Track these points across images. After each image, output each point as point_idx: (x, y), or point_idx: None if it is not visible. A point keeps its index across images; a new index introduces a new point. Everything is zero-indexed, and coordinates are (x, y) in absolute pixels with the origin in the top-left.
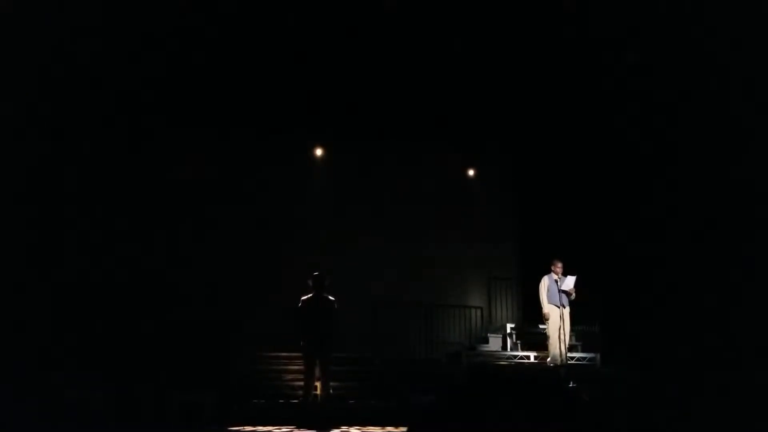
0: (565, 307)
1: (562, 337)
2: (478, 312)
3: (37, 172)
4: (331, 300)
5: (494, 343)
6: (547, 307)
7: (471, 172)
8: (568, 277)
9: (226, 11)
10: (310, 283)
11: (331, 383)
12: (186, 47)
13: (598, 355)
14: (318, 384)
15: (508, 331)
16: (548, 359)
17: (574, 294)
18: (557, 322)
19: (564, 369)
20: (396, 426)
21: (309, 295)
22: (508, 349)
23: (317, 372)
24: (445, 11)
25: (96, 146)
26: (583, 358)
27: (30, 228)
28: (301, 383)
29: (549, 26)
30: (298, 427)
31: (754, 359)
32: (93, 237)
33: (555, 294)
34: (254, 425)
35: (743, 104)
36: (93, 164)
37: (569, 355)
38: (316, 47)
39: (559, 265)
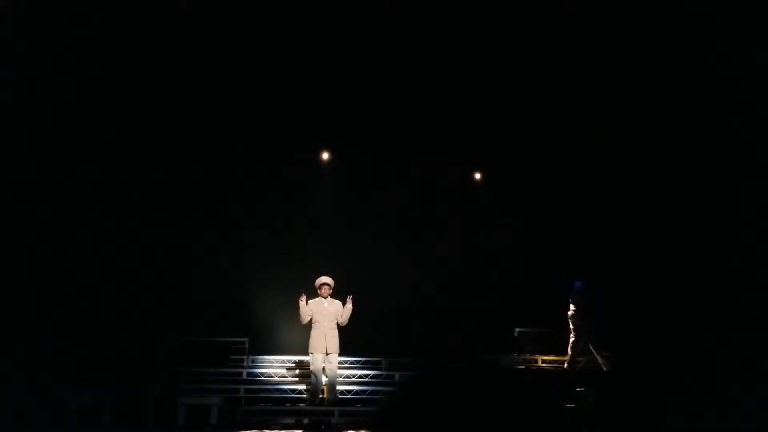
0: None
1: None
2: (486, 315)
3: (44, 174)
4: (338, 303)
5: (503, 347)
6: (573, 310)
7: (479, 175)
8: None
9: (232, 13)
10: (317, 286)
11: (338, 387)
12: (197, 51)
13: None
14: (325, 387)
15: (516, 334)
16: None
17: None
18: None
19: (575, 372)
20: None
21: (316, 299)
22: (516, 353)
23: (324, 375)
24: (452, 13)
25: (98, 148)
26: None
27: (36, 230)
28: (308, 387)
29: (556, 30)
30: (305, 431)
31: (757, 360)
32: (99, 240)
33: (580, 297)
34: (260, 429)
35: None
36: (96, 167)
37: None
38: (321, 49)
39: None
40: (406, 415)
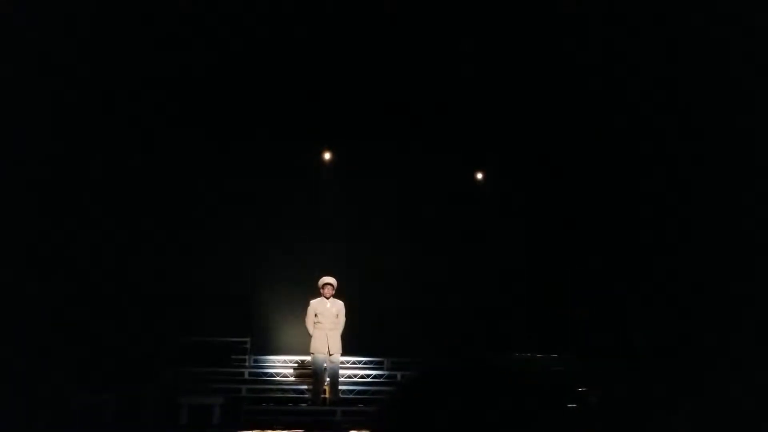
0: None
1: None
2: (487, 315)
3: (46, 174)
4: (340, 303)
5: (504, 346)
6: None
7: (480, 175)
8: None
9: (233, 12)
10: (320, 286)
11: (340, 387)
12: (196, 51)
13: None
14: (327, 387)
15: (517, 334)
16: None
17: None
18: None
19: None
20: None
21: (318, 299)
22: (517, 352)
23: (326, 375)
24: (452, 13)
25: (100, 148)
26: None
27: (38, 230)
28: (310, 387)
29: (556, 30)
30: (307, 431)
31: (758, 360)
32: (100, 240)
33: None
34: (263, 428)
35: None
36: (98, 166)
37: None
38: (322, 49)
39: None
40: (405, 414)
